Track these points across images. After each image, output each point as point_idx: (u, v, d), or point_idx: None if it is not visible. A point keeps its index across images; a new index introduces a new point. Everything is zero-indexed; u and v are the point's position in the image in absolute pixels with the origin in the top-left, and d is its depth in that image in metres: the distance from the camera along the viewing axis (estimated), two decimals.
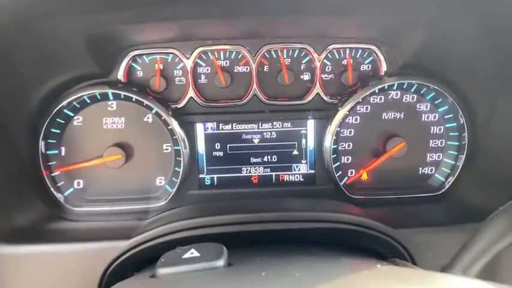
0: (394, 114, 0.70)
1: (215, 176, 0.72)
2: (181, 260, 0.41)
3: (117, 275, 0.55)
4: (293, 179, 0.73)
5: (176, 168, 0.70)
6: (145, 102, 0.67)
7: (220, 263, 0.40)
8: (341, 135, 0.70)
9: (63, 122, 0.67)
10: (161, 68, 0.68)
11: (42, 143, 0.66)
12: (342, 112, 0.68)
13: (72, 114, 0.67)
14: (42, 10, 0.49)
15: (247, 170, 0.72)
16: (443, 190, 0.71)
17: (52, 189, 0.68)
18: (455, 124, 0.70)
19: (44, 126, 0.66)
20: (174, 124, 0.68)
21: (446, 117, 0.70)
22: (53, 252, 0.60)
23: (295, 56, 0.69)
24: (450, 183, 0.71)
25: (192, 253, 0.42)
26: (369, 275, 0.38)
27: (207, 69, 0.69)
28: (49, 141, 0.67)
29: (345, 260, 0.49)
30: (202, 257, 0.41)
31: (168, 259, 0.42)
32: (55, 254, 0.60)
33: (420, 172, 0.72)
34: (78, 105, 0.67)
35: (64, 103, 0.66)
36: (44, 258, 0.59)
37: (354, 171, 0.72)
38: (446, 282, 0.38)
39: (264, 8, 0.62)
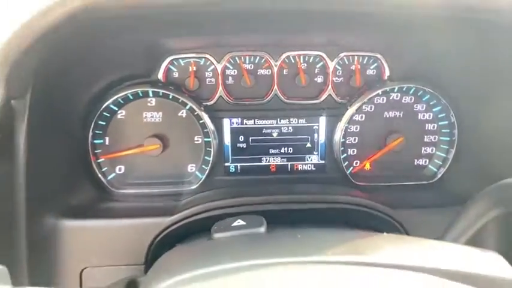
0: (395, 113, 0.80)
1: (239, 164, 0.81)
2: (231, 227, 0.51)
3: (161, 247, 0.65)
4: (306, 168, 0.82)
5: (206, 157, 0.80)
6: (181, 99, 0.76)
7: (262, 229, 0.50)
8: (348, 130, 0.80)
9: (108, 115, 0.76)
10: (195, 70, 0.77)
11: (90, 134, 0.76)
12: (351, 111, 0.77)
13: (116, 108, 0.76)
14: (115, 28, 0.58)
15: (266, 159, 0.81)
16: (435, 179, 0.81)
17: (98, 174, 0.77)
18: (447, 122, 0.80)
19: (94, 119, 0.75)
20: (205, 118, 0.78)
21: (439, 116, 0.80)
22: (103, 226, 0.69)
23: (310, 61, 0.78)
24: (442, 174, 0.80)
25: (239, 222, 0.52)
26: (385, 237, 0.48)
27: (234, 72, 0.78)
28: (96, 131, 0.76)
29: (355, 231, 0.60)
30: (247, 225, 0.51)
31: (220, 226, 0.52)
32: (105, 228, 0.69)
33: (416, 163, 0.82)
34: (122, 101, 0.76)
35: (111, 100, 0.74)
36: (96, 232, 0.69)
37: (358, 162, 0.81)
38: (442, 246, 0.48)
39: (280, 28, 0.72)
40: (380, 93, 0.81)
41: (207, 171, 0.82)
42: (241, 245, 0.47)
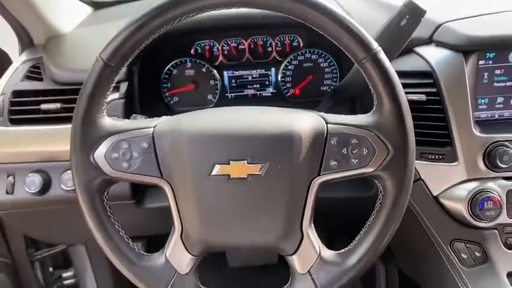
0: (308, 64, 1.31)
1: (233, 94, 1.35)
2: None
3: None
4: (266, 95, 1.38)
5: (216, 91, 1.33)
6: (202, 62, 1.29)
7: None
8: (285, 74, 1.33)
9: (169, 72, 1.30)
10: (207, 48, 1.32)
11: (161, 81, 1.34)
12: (285, 64, 1.34)
13: (172, 69, 1.30)
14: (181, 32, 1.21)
15: (246, 91, 1.35)
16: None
17: (166, 101, 1.35)
18: (335, 67, 1.35)
19: (163, 74, 1.33)
20: (214, 72, 1.31)
21: (330, 64, 1.32)
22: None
23: (264, 40, 1.30)
24: (333, 93, 1.44)
25: None
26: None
27: (227, 48, 1.31)
28: (163, 80, 1.32)
29: None
30: None
31: None
32: None
33: (321, 89, 1.34)
34: (174, 65, 1.29)
35: (170, 64, 1.31)
36: None
37: (292, 89, 1.36)
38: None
39: (246, 28, 1.35)
40: (300, 53, 1.31)
41: (217, 98, 1.34)
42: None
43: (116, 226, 0.82)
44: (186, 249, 0.83)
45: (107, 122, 0.82)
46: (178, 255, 0.83)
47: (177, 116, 0.85)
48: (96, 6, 1.58)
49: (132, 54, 0.79)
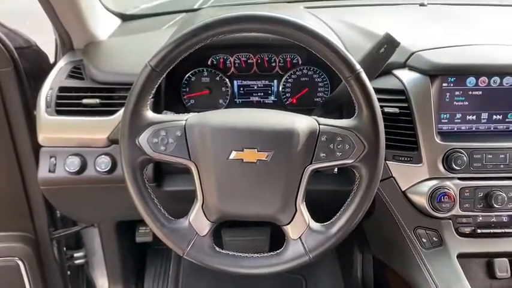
0: (304, 78, 1.45)
1: (241, 100, 1.48)
2: None
3: None
4: (268, 102, 1.51)
5: (226, 97, 1.46)
6: (217, 72, 1.42)
7: None
8: (286, 85, 1.47)
9: (188, 79, 1.43)
10: (221, 61, 1.47)
11: (182, 87, 1.50)
12: (285, 77, 1.48)
13: (191, 76, 1.44)
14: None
15: (251, 98, 1.49)
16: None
17: (185, 103, 1.47)
18: (327, 82, 1.53)
19: (183, 81, 1.45)
20: (227, 80, 1.45)
21: (323, 79, 1.45)
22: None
23: (269, 56, 1.44)
24: (324, 103, 1.59)
25: None
26: None
27: (238, 61, 1.45)
28: (183, 86, 1.45)
29: None
30: None
31: None
32: None
33: (314, 100, 1.47)
34: (193, 73, 1.41)
35: (190, 72, 1.45)
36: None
37: (290, 99, 1.48)
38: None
39: (254, 46, 1.51)
40: (298, 69, 1.46)
41: (227, 103, 1.48)
42: None
43: (152, 195, 1.00)
44: (206, 217, 1.02)
45: (149, 114, 1.00)
46: (199, 221, 1.01)
47: (204, 113, 1.03)
48: (124, 18, 1.83)
49: (174, 63, 0.97)
